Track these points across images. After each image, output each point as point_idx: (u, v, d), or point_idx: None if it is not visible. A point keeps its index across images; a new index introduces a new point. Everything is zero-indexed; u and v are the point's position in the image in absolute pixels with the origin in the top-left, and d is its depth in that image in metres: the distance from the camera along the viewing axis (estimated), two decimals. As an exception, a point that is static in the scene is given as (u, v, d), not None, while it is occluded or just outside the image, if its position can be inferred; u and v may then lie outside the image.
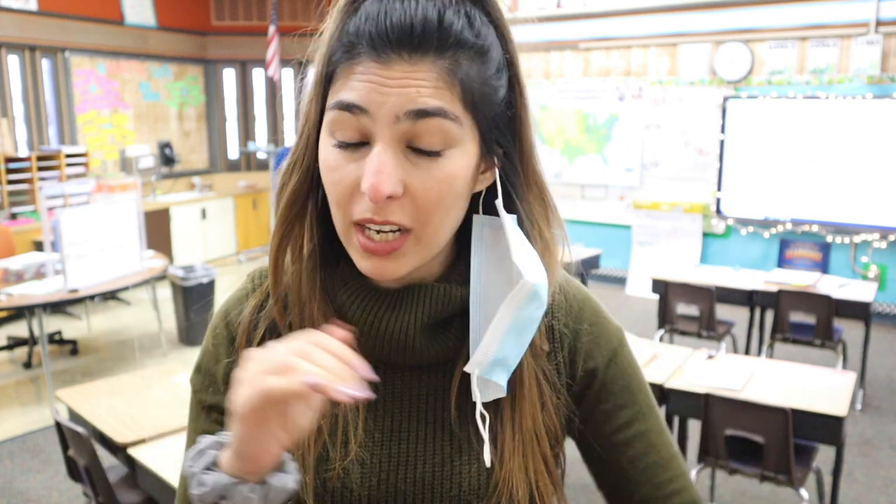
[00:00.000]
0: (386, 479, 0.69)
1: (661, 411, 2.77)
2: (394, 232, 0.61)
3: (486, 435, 0.66)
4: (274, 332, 0.73)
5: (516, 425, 0.68)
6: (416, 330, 0.67)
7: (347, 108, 0.59)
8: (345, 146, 0.61)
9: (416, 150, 0.60)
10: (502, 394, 0.66)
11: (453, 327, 0.69)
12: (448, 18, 0.58)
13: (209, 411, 0.76)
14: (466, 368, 0.64)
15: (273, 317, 0.73)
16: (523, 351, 0.66)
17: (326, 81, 0.62)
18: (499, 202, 0.66)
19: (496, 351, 0.63)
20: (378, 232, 0.61)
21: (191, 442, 0.77)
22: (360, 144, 0.60)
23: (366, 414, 0.70)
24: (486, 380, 0.65)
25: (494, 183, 0.67)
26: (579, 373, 0.73)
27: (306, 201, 0.68)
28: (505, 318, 0.62)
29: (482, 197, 0.68)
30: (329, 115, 0.61)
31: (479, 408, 0.66)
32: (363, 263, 0.64)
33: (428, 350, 0.68)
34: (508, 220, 0.66)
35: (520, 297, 0.62)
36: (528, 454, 0.68)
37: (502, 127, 0.65)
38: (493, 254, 0.68)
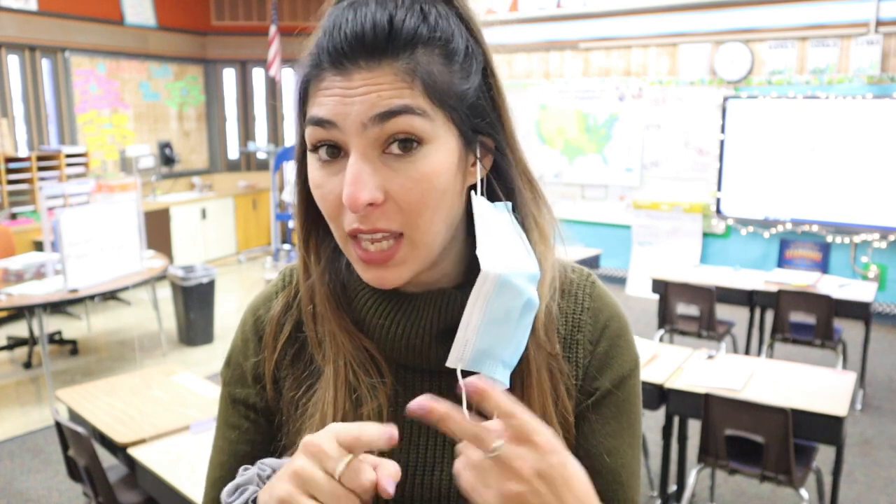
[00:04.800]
0: (402, 484, 0.68)
1: (661, 411, 2.79)
2: (387, 239, 0.62)
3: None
4: (300, 333, 0.74)
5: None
6: (431, 335, 0.67)
7: (319, 123, 0.61)
8: (325, 161, 0.62)
9: (390, 153, 0.60)
10: (502, 388, 0.65)
11: None
12: (398, 19, 0.59)
13: (237, 405, 0.77)
14: (448, 363, 0.63)
15: (298, 318, 0.74)
16: (515, 341, 0.64)
17: (302, 100, 0.64)
18: (475, 191, 0.66)
19: (476, 343, 0.62)
20: (372, 242, 0.62)
21: (219, 433, 0.78)
22: (338, 157, 0.62)
23: (390, 420, 0.69)
24: (482, 376, 0.64)
25: (489, 172, 0.67)
26: (586, 387, 0.73)
27: (314, 213, 0.69)
28: (475, 312, 0.61)
29: (482, 189, 0.68)
30: (307, 132, 0.63)
31: (464, 403, 0.64)
32: (365, 274, 0.65)
33: (445, 355, 0.67)
34: (479, 206, 0.65)
35: (485, 289, 0.60)
36: None
37: (484, 116, 0.65)
38: (495, 236, 0.67)
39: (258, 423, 0.75)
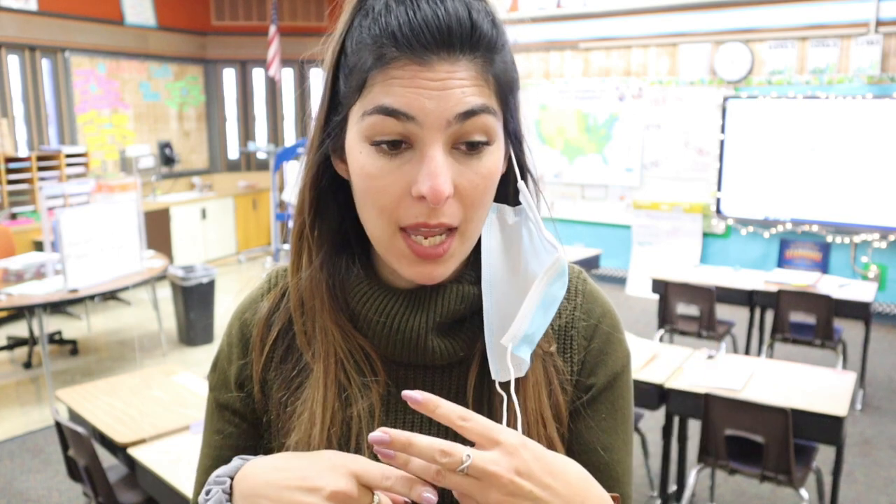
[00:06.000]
0: None
1: (661, 411, 2.79)
2: (440, 234, 0.62)
3: (518, 408, 0.65)
4: (287, 334, 0.73)
5: (520, 407, 0.67)
6: (428, 329, 0.67)
7: (392, 113, 0.59)
8: (386, 152, 0.60)
9: (461, 149, 0.61)
10: (523, 371, 0.66)
11: (466, 327, 0.69)
12: (477, 18, 0.60)
13: (222, 410, 0.77)
14: (503, 341, 0.64)
15: (286, 318, 0.73)
16: (545, 329, 0.67)
17: (357, 90, 0.61)
18: (521, 184, 0.68)
19: (528, 326, 0.63)
20: (425, 237, 0.62)
21: (205, 438, 0.79)
22: (400, 149, 0.60)
23: (381, 419, 0.69)
24: (513, 355, 0.65)
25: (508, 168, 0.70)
26: (581, 383, 0.73)
27: (318, 210, 0.70)
28: (537, 293, 0.63)
29: None
30: (366, 121, 0.60)
31: (512, 381, 0.66)
32: (412, 269, 0.64)
33: (441, 350, 0.68)
34: (531, 203, 0.68)
35: (553, 271, 0.63)
36: (533, 437, 0.67)
37: (516, 114, 0.68)
38: (500, 239, 0.69)
39: (242, 428, 0.75)
